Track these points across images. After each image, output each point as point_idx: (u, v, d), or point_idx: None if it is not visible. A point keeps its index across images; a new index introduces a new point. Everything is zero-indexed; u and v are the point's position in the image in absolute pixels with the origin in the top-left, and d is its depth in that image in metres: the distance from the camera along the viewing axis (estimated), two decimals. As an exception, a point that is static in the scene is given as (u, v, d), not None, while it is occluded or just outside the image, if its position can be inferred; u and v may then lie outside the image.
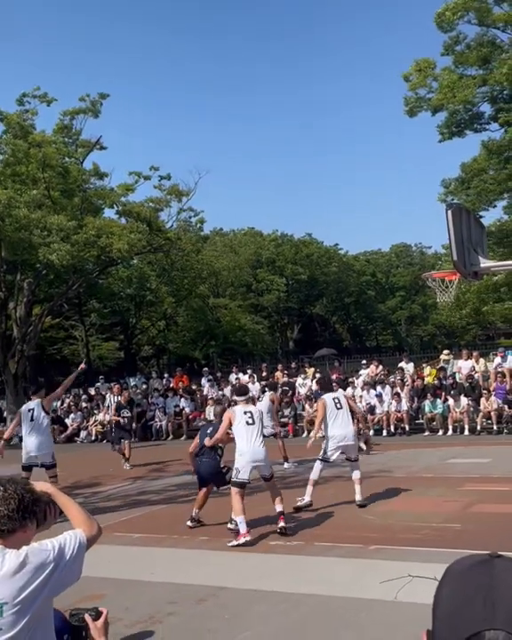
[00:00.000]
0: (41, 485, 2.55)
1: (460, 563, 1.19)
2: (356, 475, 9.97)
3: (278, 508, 8.48)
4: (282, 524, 8.32)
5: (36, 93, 26.93)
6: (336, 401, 10.14)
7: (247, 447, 8.31)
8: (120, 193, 28.51)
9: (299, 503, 9.80)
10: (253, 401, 9.75)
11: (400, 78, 26.68)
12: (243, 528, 8.01)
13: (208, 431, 9.18)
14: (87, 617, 2.42)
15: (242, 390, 9.16)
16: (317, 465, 10.02)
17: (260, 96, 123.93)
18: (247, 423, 8.39)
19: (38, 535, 2.51)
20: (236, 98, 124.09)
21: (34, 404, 11.01)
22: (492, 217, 65.04)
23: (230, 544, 7.91)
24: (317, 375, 22.31)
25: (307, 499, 9.85)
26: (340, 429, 9.90)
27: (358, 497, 9.81)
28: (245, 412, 8.54)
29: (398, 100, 30.28)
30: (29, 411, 10.87)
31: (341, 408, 10.07)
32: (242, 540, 7.89)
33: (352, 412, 10.36)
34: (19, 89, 43.05)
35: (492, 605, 1.07)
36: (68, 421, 24.29)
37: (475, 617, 1.07)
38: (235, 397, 9.27)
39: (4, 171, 24.85)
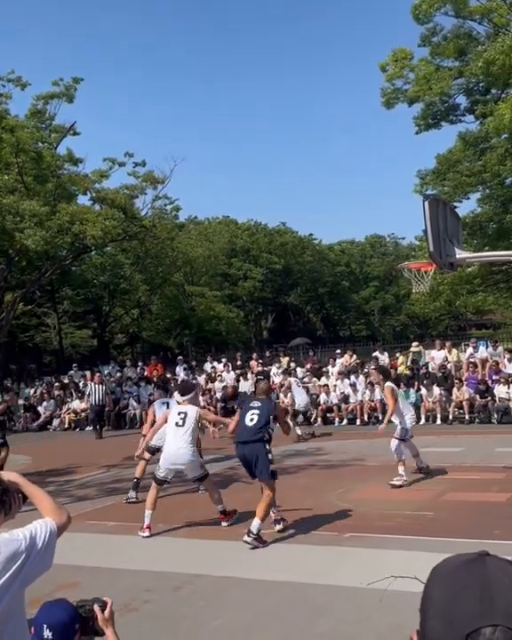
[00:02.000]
0: (8, 475, 2.53)
1: (448, 562, 1.18)
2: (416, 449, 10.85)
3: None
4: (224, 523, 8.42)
5: (11, 77, 26.55)
6: (398, 388, 11.28)
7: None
8: (94, 179, 28.29)
9: (398, 483, 10.08)
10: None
11: (377, 69, 26.67)
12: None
13: (255, 405, 7.99)
14: (96, 608, 2.48)
15: (184, 389, 9.17)
16: (397, 443, 10.42)
17: (235, 84, 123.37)
18: (177, 424, 8.33)
19: (4, 525, 2.49)
20: (211, 86, 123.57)
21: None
22: (466, 208, 65.59)
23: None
24: (292, 364, 22.45)
25: (405, 478, 10.17)
26: (412, 411, 10.99)
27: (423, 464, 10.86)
28: (179, 413, 8.47)
29: (375, 91, 30.29)
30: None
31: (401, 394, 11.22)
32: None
33: None
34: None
35: (490, 601, 1.06)
36: (40, 409, 24.13)
37: (472, 613, 1.06)
38: (179, 398, 8.90)
39: (-24, 155, 24.49)
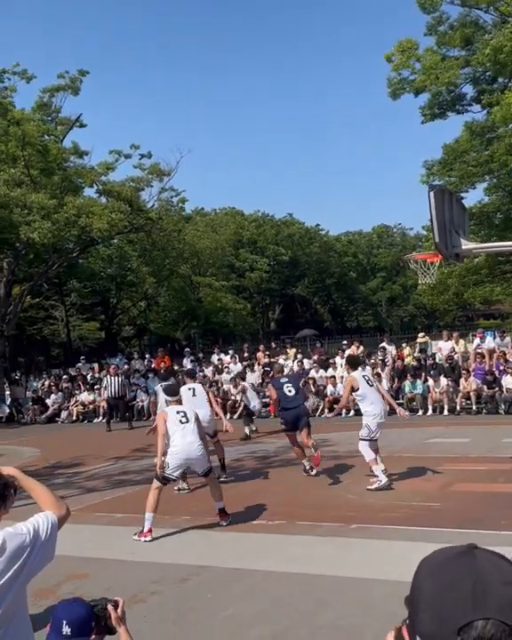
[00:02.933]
0: (6, 469, 2.57)
1: (438, 555, 1.18)
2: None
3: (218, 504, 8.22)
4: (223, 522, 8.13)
5: (16, 70, 26.52)
6: (367, 378, 10.17)
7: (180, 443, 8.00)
8: (100, 172, 28.27)
9: (375, 486, 9.38)
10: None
11: (383, 60, 26.53)
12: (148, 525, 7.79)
13: (285, 380, 10.99)
14: (109, 607, 2.55)
15: (173, 390, 8.85)
16: (365, 445, 9.73)
17: (241, 77, 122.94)
18: (181, 422, 8.04)
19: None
20: (217, 78, 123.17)
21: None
22: (472, 199, 65.12)
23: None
24: (299, 356, 22.47)
25: (383, 479, 9.39)
26: (381, 410, 9.86)
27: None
28: (177, 412, 8.18)
29: (381, 82, 30.09)
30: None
31: (373, 385, 10.11)
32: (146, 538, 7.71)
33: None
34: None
35: (482, 595, 1.07)
36: (48, 402, 24.24)
37: (465, 607, 1.06)
38: (167, 398, 8.73)
39: (-17, 149, 24.50)
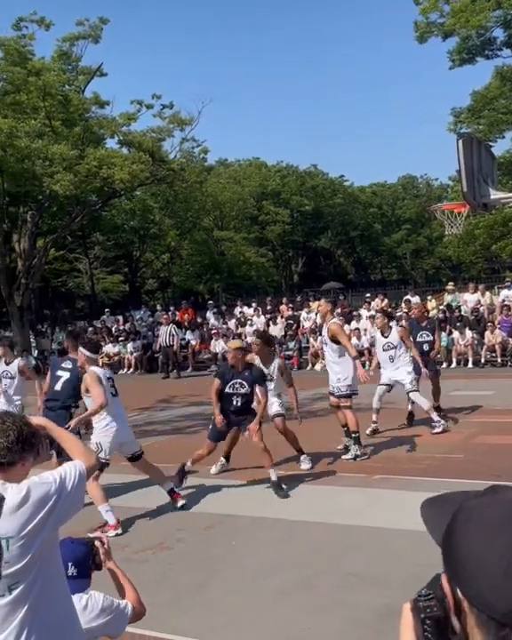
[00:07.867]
0: (37, 419, 2.58)
1: (488, 513, 1.05)
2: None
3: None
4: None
5: (33, 17, 25.98)
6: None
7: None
8: (122, 122, 27.87)
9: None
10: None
11: (410, 4, 25.71)
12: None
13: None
14: (97, 543, 2.69)
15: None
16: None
17: (264, 25, 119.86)
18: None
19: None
20: (241, 26, 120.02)
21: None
22: (501, 147, 63.72)
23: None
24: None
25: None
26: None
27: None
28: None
29: (407, 27, 29.19)
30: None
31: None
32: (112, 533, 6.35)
33: None
34: (14, 13, 41.46)
35: None
36: (74, 354, 24.48)
37: None
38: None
39: (3, 99, 24.22)
